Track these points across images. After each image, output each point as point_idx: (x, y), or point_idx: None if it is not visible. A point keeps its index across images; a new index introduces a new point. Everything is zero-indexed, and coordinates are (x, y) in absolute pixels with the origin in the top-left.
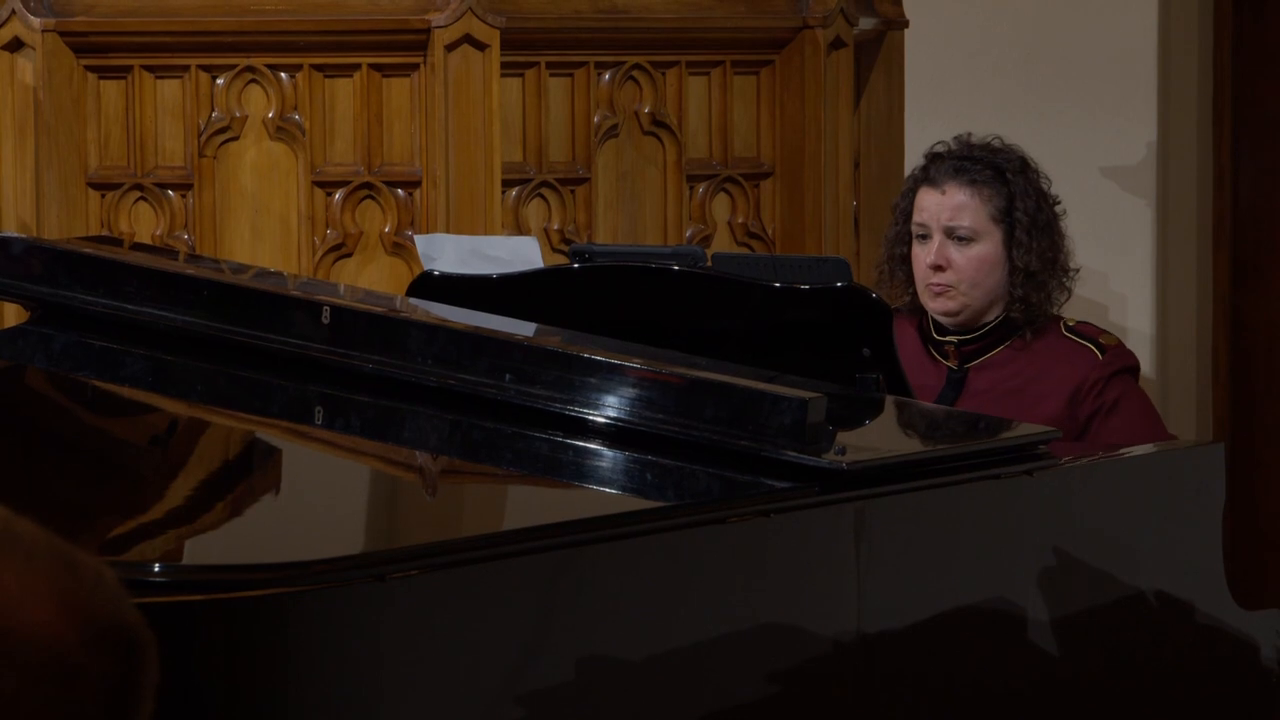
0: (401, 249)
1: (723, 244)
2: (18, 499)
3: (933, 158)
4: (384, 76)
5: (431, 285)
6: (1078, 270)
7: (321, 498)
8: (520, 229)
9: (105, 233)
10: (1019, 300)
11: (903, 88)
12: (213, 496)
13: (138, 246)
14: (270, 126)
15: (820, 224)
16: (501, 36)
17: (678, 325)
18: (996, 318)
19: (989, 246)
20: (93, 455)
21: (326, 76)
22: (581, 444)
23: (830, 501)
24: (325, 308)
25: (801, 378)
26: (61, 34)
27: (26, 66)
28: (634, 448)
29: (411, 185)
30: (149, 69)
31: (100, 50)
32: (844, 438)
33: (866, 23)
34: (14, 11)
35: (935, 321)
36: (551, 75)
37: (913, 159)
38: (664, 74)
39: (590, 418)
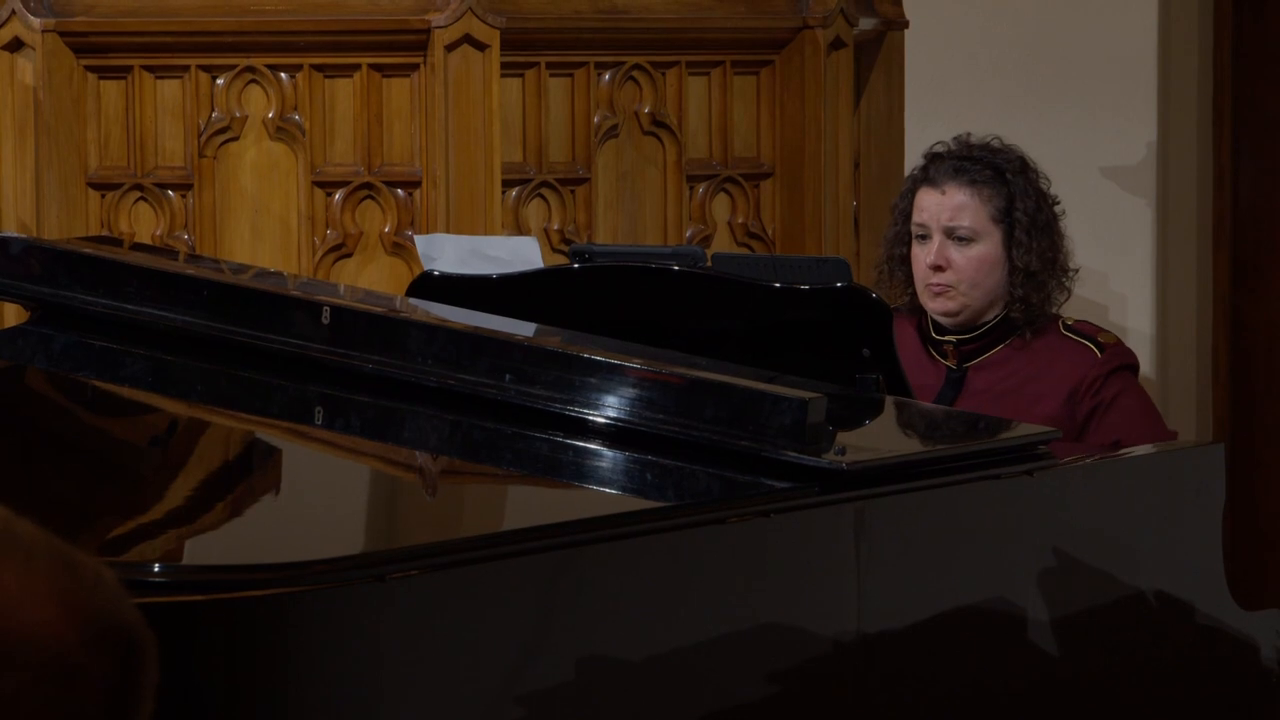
0: (401, 249)
1: (723, 244)
2: (18, 499)
3: (932, 158)
4: (384, 76)
5: (431, 285)
6: (1077, 270)
7: (321, 498)
8: (520, 229)
9: (105, 233)
10: (1019, 300)
11: (903, 88)
12: (213, 496)
13: (138, 246)
14: (270, 127)
15: (820, 224)
16: (501, 36)
17: (678, 325)
18: (995, 317)
19: (989, 247)
20: (93, 455)
21: (326, 76)
22: (581, 444)
23: (830, 501)
24: (325, 308)
25: (801, 378)
26: (61, 34)
27: (26, 66)
28: (634, 448)
29: (411, 185)
30: (149, 69)
31: (100, 50)
32: (844, 438)
33: (866, 23)
34: (14, 11)
35: (934, 321)
36: (551, 75)
37: (913, 159)
38: (664, 74)
39: (590, 418)
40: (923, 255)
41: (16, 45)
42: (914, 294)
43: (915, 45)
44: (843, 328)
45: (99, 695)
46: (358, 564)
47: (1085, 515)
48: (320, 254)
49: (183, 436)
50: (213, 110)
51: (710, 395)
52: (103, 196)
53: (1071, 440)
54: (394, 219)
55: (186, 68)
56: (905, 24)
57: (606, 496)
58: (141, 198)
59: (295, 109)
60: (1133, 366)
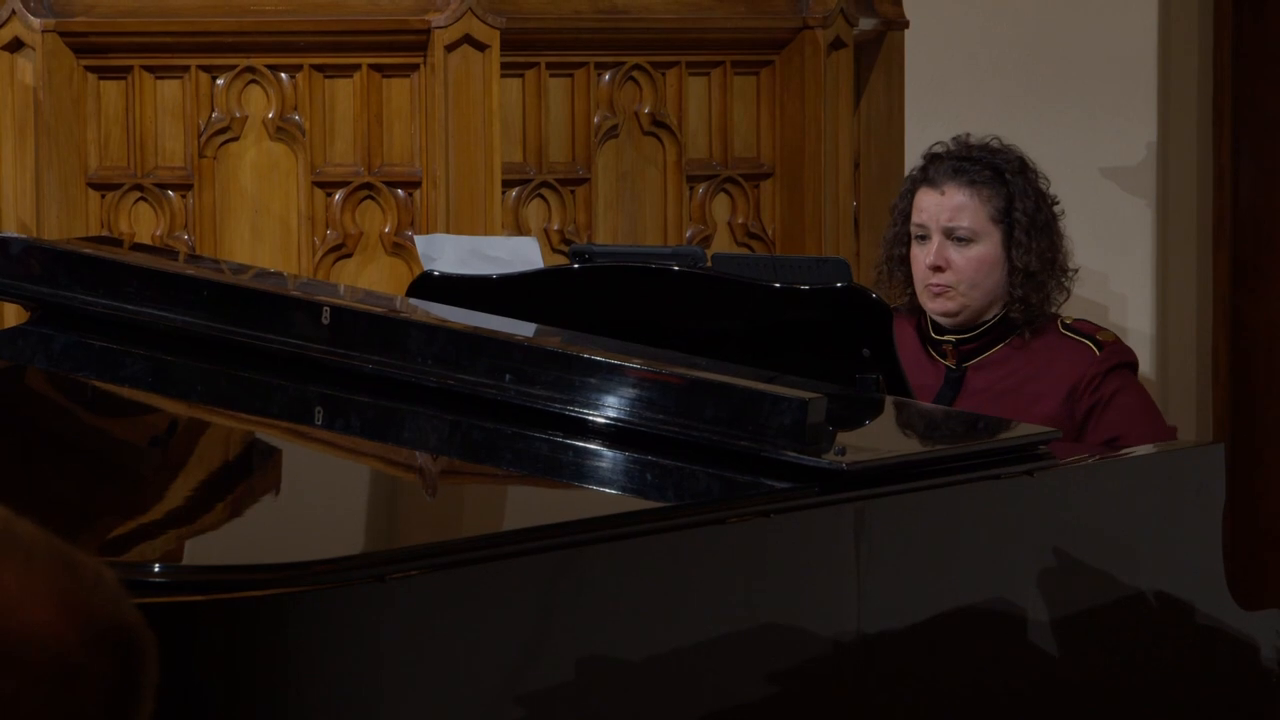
0: (401, 249)
1: (723, 244)
2: (18, 499)
3: (931, 158)
4: (384, 77)
5: (431, 285)
6: (1076, 270)
7: (321, 498)
8: (520, 229)
9: (105, 233)
10: (1018, 300)
11: (903, 88)
12: (213, 497)
13: (138, 247)
14: (270, 127)
15: (820, 224)
16: (501, 37)
17: (678, 325)
18: (995, 317)
19: (988, 247)
20: (93, 455)
21: (326, 77)
22: (581, 444)
23: (830, 502)
24: (325, 308)
25: (801, 378)
26: (61, 34)
27: (26, 67)
28: (634, 448)
29: (411, 186)
30: (149, 69)
31: (100, 50)
32: (844, 438)
33: (866, 23)
34: (14, 12)
35: (933, 321)
36: (551, 76)
37: (913, 159)
38: (664, 74)
39: (590, 418)
40: (922, 256)
41: (16, 45)
42: (913, 294)
43: (915, 45)
44: (843, 328)
45: (99, 695)
46: (358, 564)
47: (1085, 515)
48: (320, 254)
49: (183, 436)
50: (213, 110)
51: (710, 395)
52: (103, 197)
53: (1071, 438)
54: (394, 219)
55: (186, 68)
56: (905, 24)
57: (606, 497)
58: (141, 198)
59: (295, 109)
60: (1132, 364)
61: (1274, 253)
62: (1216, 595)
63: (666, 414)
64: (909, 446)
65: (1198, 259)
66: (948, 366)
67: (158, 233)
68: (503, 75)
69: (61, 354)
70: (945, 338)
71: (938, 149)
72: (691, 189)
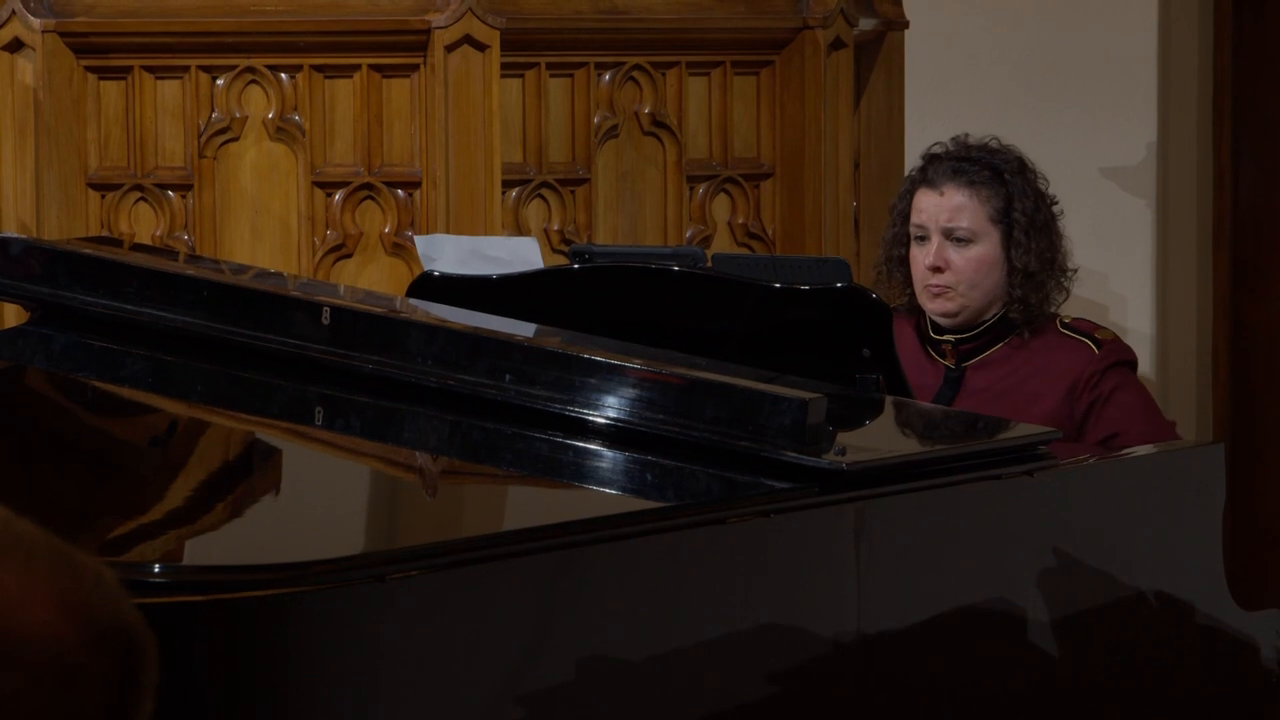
0: (401, 249)
1: (723, 244)
2: (18, 499)
3: (930, 159)
4: (384, 77)
5: (431, 286)
6: (1075, 270)
7: (321, 498)
8: (520, 229)
9: (105, 233)
10: (1017, 301)
11: (903, 88)
12: (213, 497)
13: (138, 247)
14: (270, 127)
15: (820, 224)
16: (501, 37)
17: (678, 326)
18: (994, 316)
19: (987, 247)
20: (93, 455)
21: (326, 77)
22: (581, 444)
23: (830, 502)
24: (325, 308)
25: (801, 378)
26: (61, 34)
27: (26, 67)
28: (634, 448)
29: (411, 186)
30: (149, 69)
31: (100, 51)
32: (844, 438)
33: (866, 23)
34: (14, 12)
35: (932, 321)
36: (551, 76)
37: (912, 159)
38: (664, 74)
39: (590, 418)
40: (921, 256)
41: (16, 45)
42: (912, 294)
43: (915, 45)
44: (843, 328)
45: (99, 695)
46: (358, 564)
47: (1085, 515)
48: (320, 254)
49: (183, 436)
50: (213, 110)
51: (710, 395)
52: (103, 197)
53: (1071, 436)
54: (394, 219)
55: (186, 68)
56: (905, 24)
57: (607, 497)
58: (141, 198)
59: (295, 109)
60: (1131, 362)
61: (1274, 253)
62: (1216, 595)
63: (666, 414)
64: (909, 446)
65: (1198, 259)
66: (947, 366)
67: (158, 233)
68: (503, 75)
69: (61, 354)
70: (944, 337)
71: (936, 149)
72: (691, 189)
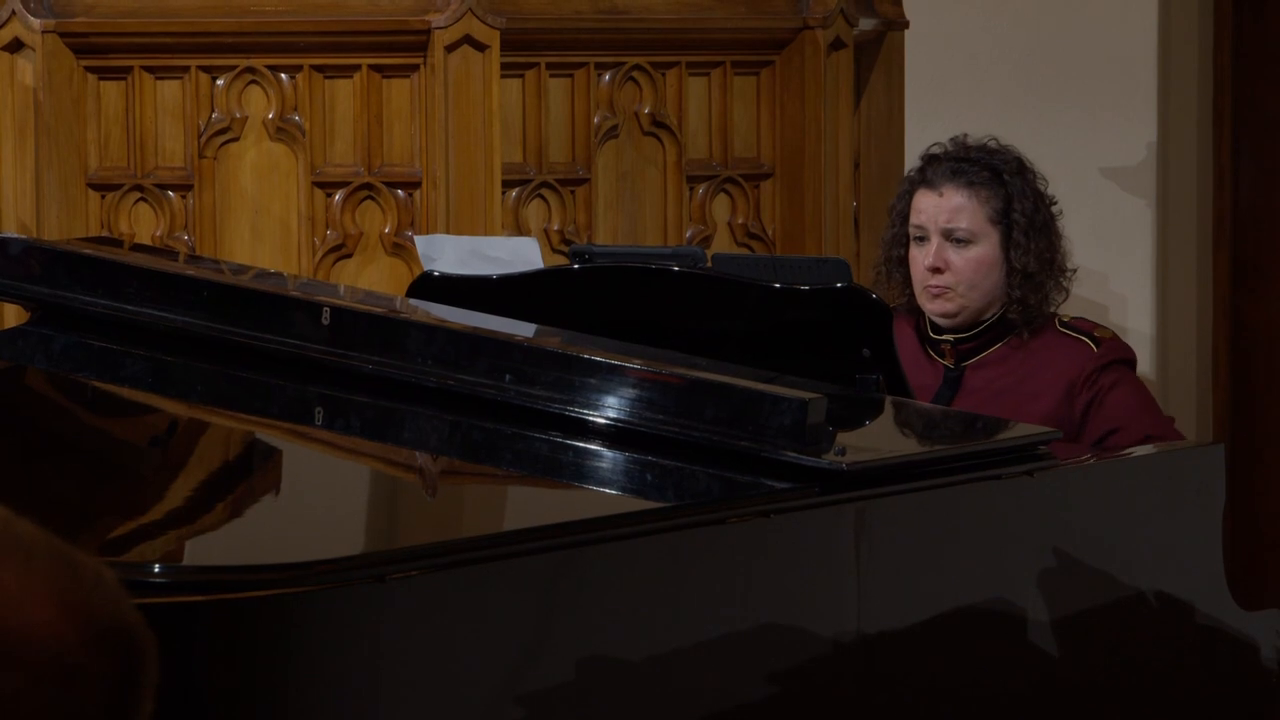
0: (401, 250)
1: (723, 244)
2: (18, 499)
3: (929, 160)
4: (384, 77)
5: (431, 286)
6: (1075, 271)
7: (321, 498)
8: (520, 229)
9: (105, 233)
10: (1017, 301)
11: (903, 88)
12: (213, 497)
13: (137, 247)
14: (270, 127)
15: (820, 224)
16: (501, 37)
17: (678, 326)
18: (993, 316)
19: (987, 248)
20: (93, 455)
21: (326, 77)
22: (581, 444)
23: (830, 502)
24: (325, 308)
25: (801, 378)
26: (61, 35)
27: (26, 67)
28: (634, 448)
29: (411, 186)
30: (149, 70)
31: (100, 51)
32: (844, 438)
33: (866, 23)
34: (14, 12)
35: (932, 321)
36: (551, 76)
37: (912, 159)
38: (664, 74)
39: (590, 418)
40: (921, 257)
41: (16, 46)
42: (912, 295)
43: (915, 45)
44: (843, 328)
45: (99, 695)
46: (358, 564)
47: (1085, 515)
48: (320, 254)
49: (183, 437)
50: (213, 111)
51: (710, 396)
52: (103, 197)
53: (1071, 434)
54: (394, 219)
55: (186, 68)
56: (905, 24)
57: (607, 497)
58: (141, 198)
59: (295, 109)
60: (1129, 361)
61: (1274, 253)
62: (1216, 595)
63: (666, 414)
64: (909, 447)
65: (1198, 259)
66: (946, 366)
67: (158, 233)
68: (503, 75)
69: (61, 354)
70: (943, 337)
71: (935, 150)
72: (691, 189)
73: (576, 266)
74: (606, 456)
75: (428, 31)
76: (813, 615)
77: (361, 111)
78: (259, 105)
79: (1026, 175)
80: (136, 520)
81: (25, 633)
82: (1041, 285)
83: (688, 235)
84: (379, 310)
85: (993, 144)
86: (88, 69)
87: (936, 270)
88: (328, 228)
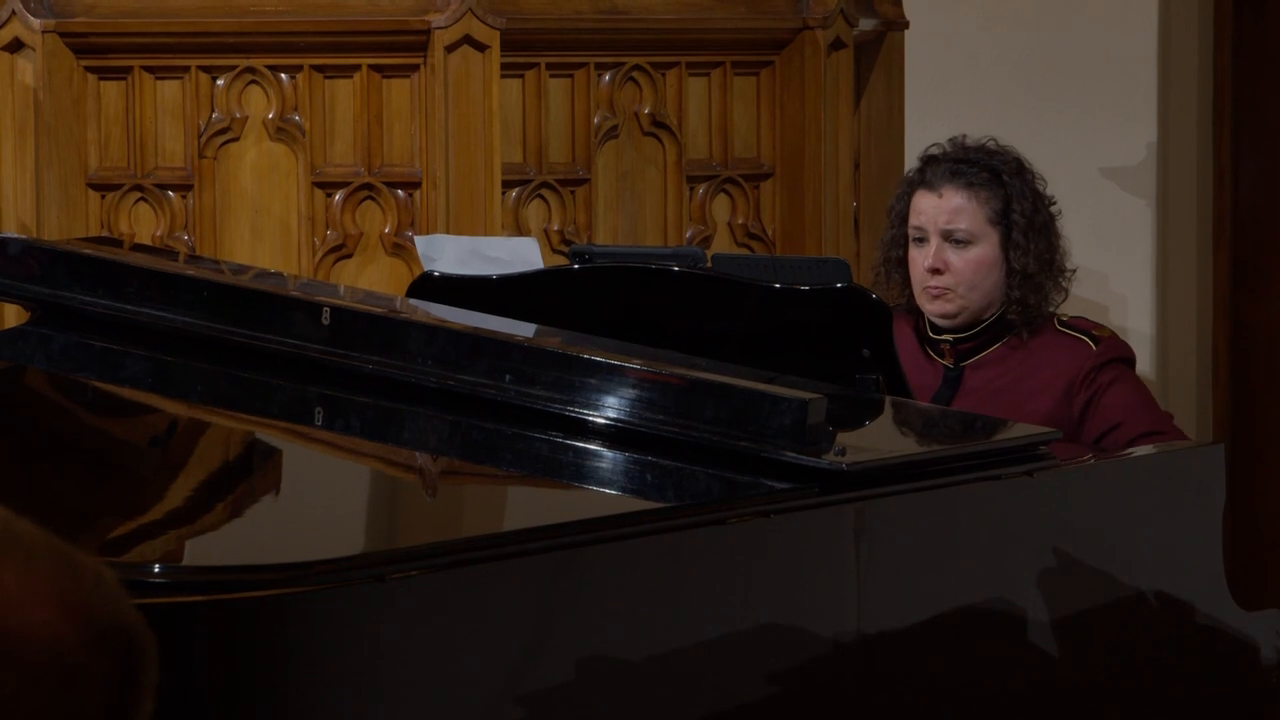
0: (401, 250)
1: (723, 245)
2: (18, 499)
3: (928, 160)
4: (384, 77)
5: (431, 286)
6: (1074, 271)
7: (321, 498)
8: (520, 230)
9: (105, 233)
10: (1016, 302)
11: (903, 88)
12: (213, 497)
13: (137, 247)
14: (270, 127)
15: (820, 225)
16: (501, 37)
17: (678, 326)
18: (992, 316)
19: (986, 249)
20: (93, 455)
21: (326, 77)
22: (581, 445)
23: (830, 502)
24: (325, 308)
25: (801, 378)
26: (61, 35)
27: (26, 67)
28: (634, 448)
29: (411, 186)
30: (149, 70)
31: (100, 51)
32: (844, 438)
33: (866, 23)
34: (14, 12)
35: (931, 321)
36: (551, 76)
37: (912, 159)
38: (664, 75)
39: (590, 418)
40: (920, 258)
41: (16, 46)
42: (911, 295)
43: (915, 45)
44: (843, 328)
45: (99, 695)
46: (358, 564)
47: (1085, 515)
48: (320, 255)
49: (183, 437)
50: (213, 111)
51: (710, 396)
52: (103, 197)
53: (1071, 432)
54: (394, 219)
55: (186, 68)
56: (905, 24)
57: (607, 497)
58: (141, 198)
59: (295, 109)
60: (1128, 359)
61: (1274, 253)
62: (1216, 595)
63: (666, 414)
64: (909, 447)
65: (1198, 259)
66: (945, 366)
67: (158, 233)
68: (503, 75)
69: (61, 354)
70: (943, 337)
71: (934, 151)
72: (691, 189)
73: (576, 267)
74: (606, 457)
75: (428, 31)
76: (813, 615)
77: (361, 111)
78: (259, 105)
79: (1025, 176)
80: (136, 520)
81: (25, 633)
82: (1041, 285)
83: (688, 235)
84: (379, 310)
85: (992, 145)
86: (88, 69)
87: (936, 271)
88: (328, 228)
